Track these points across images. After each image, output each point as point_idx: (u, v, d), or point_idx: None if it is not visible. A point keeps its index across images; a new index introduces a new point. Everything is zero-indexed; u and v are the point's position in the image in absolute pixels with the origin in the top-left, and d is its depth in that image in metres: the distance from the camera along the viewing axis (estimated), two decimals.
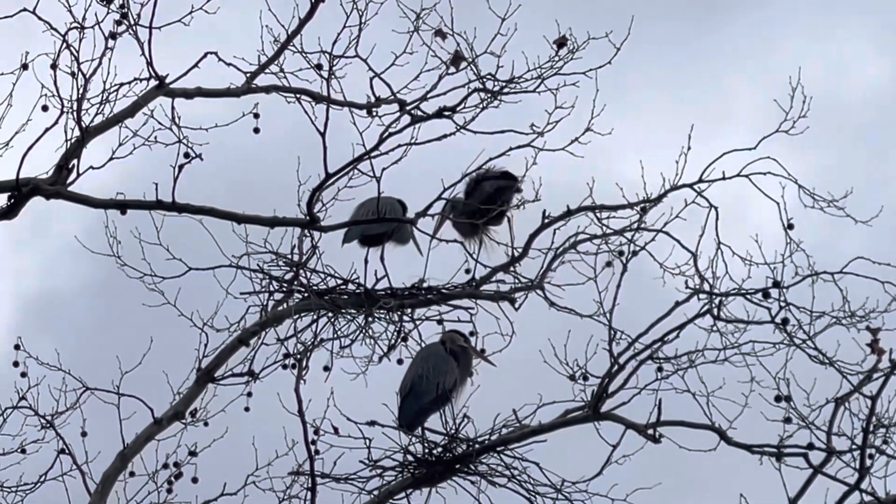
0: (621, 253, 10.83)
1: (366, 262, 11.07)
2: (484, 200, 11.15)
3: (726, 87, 14.98)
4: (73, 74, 10.64)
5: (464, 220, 11.15)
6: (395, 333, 11.08)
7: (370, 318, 11.04)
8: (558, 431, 10.71)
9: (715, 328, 10.61)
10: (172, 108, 10.90)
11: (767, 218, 10.67)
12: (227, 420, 10.90)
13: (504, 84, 10.94)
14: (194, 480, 10.92)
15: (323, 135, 10.44)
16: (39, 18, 10.59)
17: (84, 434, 10.89)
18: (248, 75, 11.11)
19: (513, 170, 11.11)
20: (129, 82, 10.84)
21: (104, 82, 10.72)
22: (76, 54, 10.63)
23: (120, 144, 10.83)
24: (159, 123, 10.90)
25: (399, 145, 10.69)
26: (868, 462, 10.24)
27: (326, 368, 10.89)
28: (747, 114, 13.29)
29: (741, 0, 15.96)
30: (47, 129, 10.55)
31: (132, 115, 10.88)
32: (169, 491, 10.90)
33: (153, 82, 10.87)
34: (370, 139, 10.62)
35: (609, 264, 10.80)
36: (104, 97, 10.76)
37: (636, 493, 10.48)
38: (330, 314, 11.02)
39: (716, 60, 15.52)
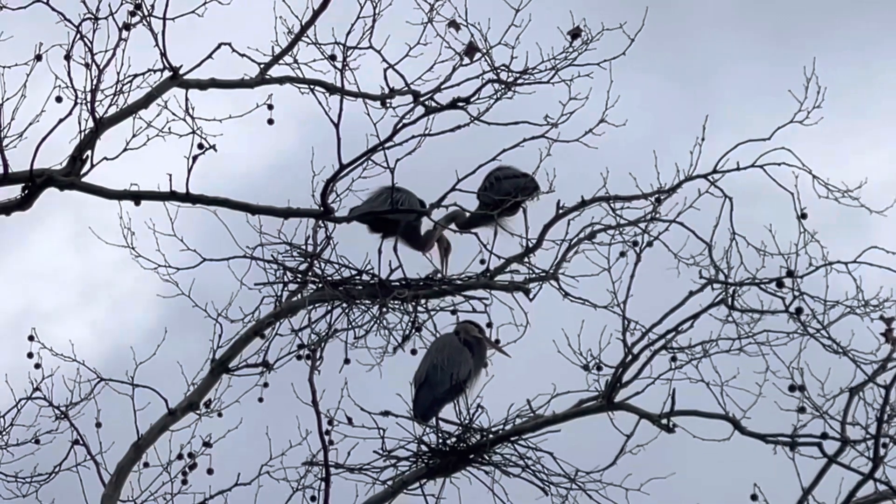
0: (635, 243, 10.82)
1: (379, 252, 11.09)
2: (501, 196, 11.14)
3: (739, 78, 14.99)
4: (86, 65, 10.66)
5: (480, 213, 11.15)
6: (410, 324, 11.09)
7: (384, 309, 11.04)
8: (572, 421, 10.71)
9: (729, 318, 10.62)
10: (186, 99, 10.96)
11: (782, 208, 10.69)
12: (241, 410, 10.93)
13: (518, 75, 10.94)
14: (209, 471, 10.91)
15: (337, 126, 10.48)
16: (53, 10, 10.63)
17: (98, 425, 10.89)
18: (261, 66, 11.12)
19: (527, 162, 11.15)
20: (143, 73, 10.89)
21: (118, 73, 10.78)
22: (90, 45, 10.66)
23: (134, 135, 10.87)
24: (173, 114, 10.94)
25: (413, 136, 10.71)
26: (882, 451, 10.22)
27: (347, 361, 10.90)
28: (762, 103, 13.27)
29: None
30: (61, 121, 10.58)
31: (146, 106, 10.89)
32: (184, 482, 10.89)
33: (167, 73, 10.89)
34: (384, 130, 10.67)
35: (623, 254, 10.80)
36: (118, 88, 10.80)
37: (650, 482, 10.48)
38: (344, 305, 11.01)
39: (724, 53, 15.55)
